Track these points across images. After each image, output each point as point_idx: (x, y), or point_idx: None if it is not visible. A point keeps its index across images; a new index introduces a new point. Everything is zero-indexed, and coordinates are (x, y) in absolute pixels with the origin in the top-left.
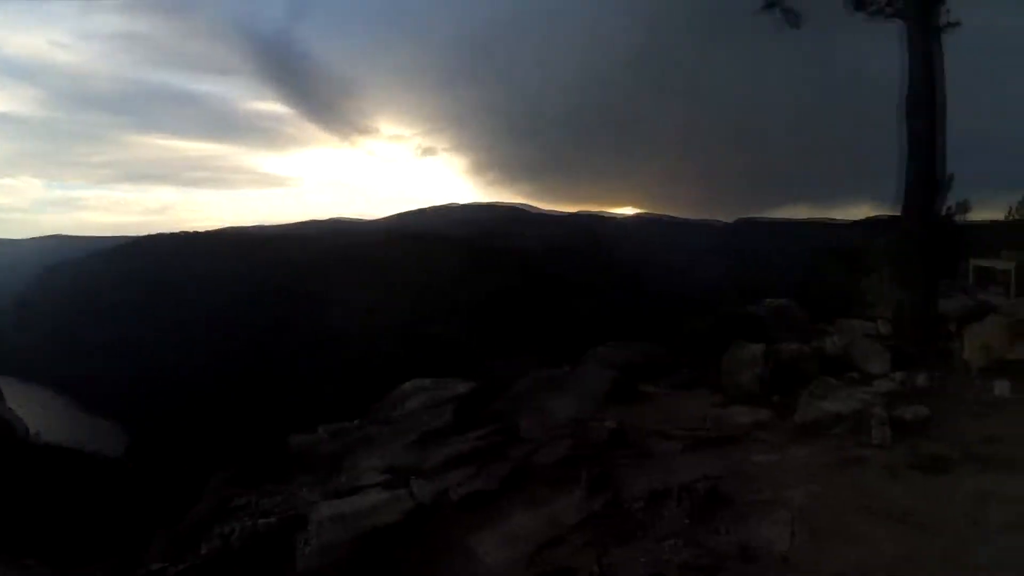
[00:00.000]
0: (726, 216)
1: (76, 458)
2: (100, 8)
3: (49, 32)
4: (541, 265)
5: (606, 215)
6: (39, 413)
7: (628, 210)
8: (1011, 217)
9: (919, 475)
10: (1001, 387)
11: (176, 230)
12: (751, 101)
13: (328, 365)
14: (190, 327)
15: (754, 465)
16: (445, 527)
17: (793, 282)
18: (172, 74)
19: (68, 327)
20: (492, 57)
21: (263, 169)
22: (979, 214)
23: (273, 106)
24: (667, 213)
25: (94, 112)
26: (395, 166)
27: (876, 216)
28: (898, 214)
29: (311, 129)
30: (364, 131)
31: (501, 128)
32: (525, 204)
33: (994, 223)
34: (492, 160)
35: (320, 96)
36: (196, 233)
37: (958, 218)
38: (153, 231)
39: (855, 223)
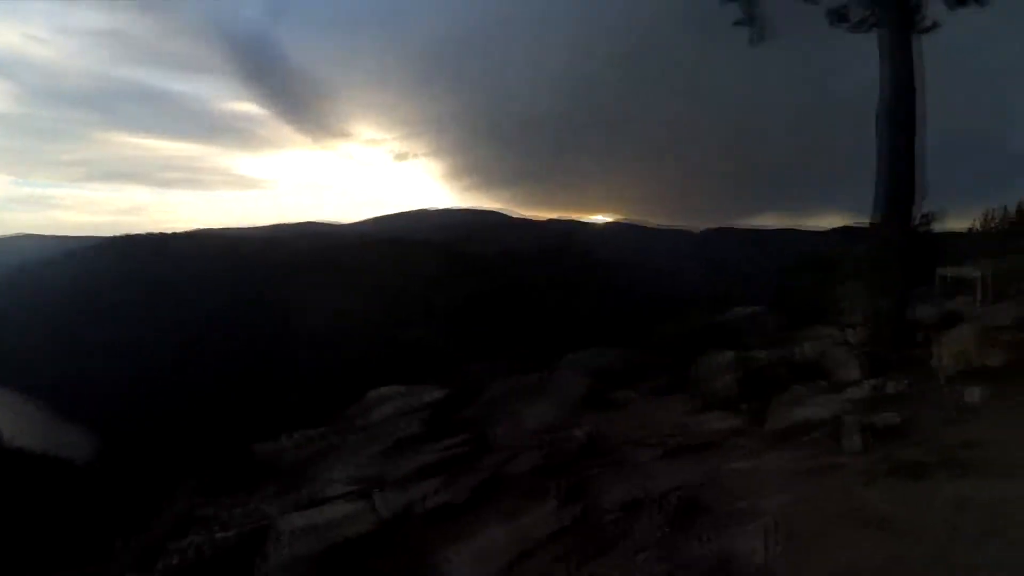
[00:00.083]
0: (699, 224)
1: (45, 464)
2: (78, 3)
3: (25, 26)
4: (515, 271)
5: (581, 222)
6: (9, 417)
7: (602, 217)
8: (976, 228)
9: (896, 481)
10: (974, 394)
11: (148, 231)
12: (725, 112)
13: (298, 370)
14: (161, 330)
15: (730, 473)
16: (412, 542)
17: (766, 290)
18: (148, 72)
19: (39, 329)
20: (471, 62)
21: (238, 170)
22: (943, 224)
23: (249, 107)
24: (642, 221)
25: (68, 109)
26: (371, 170)
27: (848, 225)
28: (870, 223)
29: (287, 131)
30: (340, 134)
31: (478, 133)
32: (501, 210)
33: (956, 233)
34: (469, 165)
35: (297, 98)
36: (168, 234)
37: (933, 226)
38: (125, 231)
39: (827, 232)
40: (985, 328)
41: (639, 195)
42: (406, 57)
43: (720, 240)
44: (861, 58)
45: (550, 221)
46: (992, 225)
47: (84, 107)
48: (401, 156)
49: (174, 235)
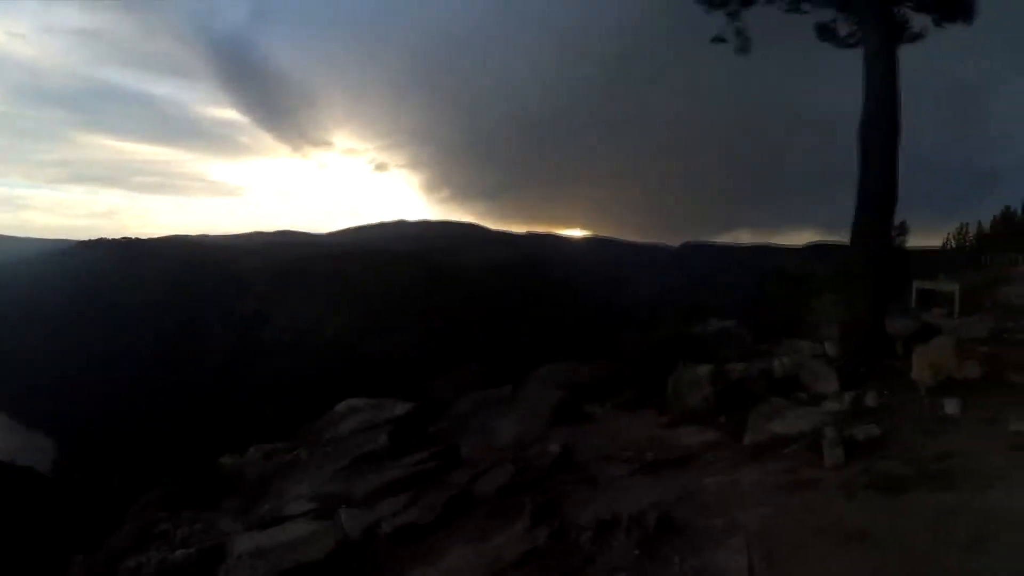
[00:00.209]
0: (672, 240)
1: (3, 472)
2: (63, 1)
3: (8, 23)
4: (489, 283)
5: (557, 236)
6: None
7: (577, 232)
8: (948, 244)
9: (876, 495)
10: (952, 405)
11: (121, 235)
12: (702, 130)
13: (267, 380)
14: (127, 337)
15: (705, 489)
16: (376, 564)
17: (738, 304)
18: (130, 73)
19: (3, 333)
20: (452, 76)
21: (213, 177)
22: (915, 239)
23: (228, 113)
24: (615, 236)
25: (47, 108)
26: (348, 180)
27: (820, 241)
28: (841, 242)
29: (265, 138)
30: (318, 143)
31: (457, 146)
32: (477, 223)
33: (928, 249)
34: (447, 177)
35: (277, 106)
36: (142, 239)
37: (899, 240)
38: (97, 235)
39: (799, 248)
40: (962, 340)
41: (615, 210)
42: (388, 70)
43: (695, 255)
44: (833, 80)
45: (526, 234)
46: (965, 240)
47: (63, 107)
48: (380, 167)
49: (148, 240)
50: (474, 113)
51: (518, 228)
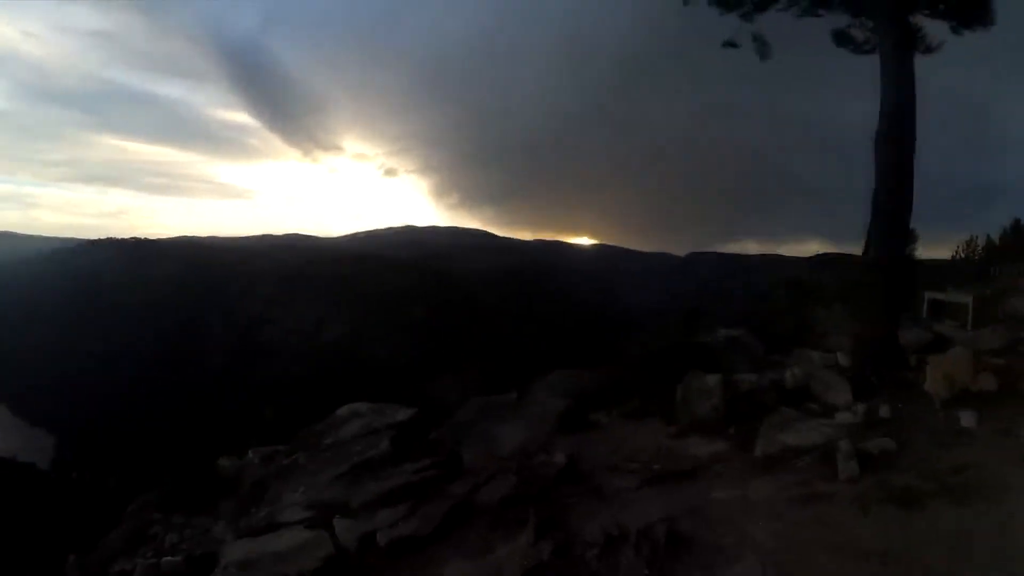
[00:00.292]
0: (678, 248)
1: (5, 468)
2: (76, 2)
3: (22, 22)
4: (492, 290)
5: (564, 243)
6: None
7: (584, 240)
8: (958, 255)
9: (891, 509)
10: (968, 418)
11: (129, 235)
12: (709, 140)
13: (269, 383)
14: (131, 337)
15: (716, 503)
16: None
17: (745, 312)
18: (140, 75)
19: (7, 329)
20: (462, 82)
21: (223, 179)
22: (922, 250)
23: (238, 116)
24: (621, 244)
25: (58, 108)
26: (357, 184)
27: (825, 253)
28: (847, 252)
29: (275, 142)
30: (328, 148)
31: (466, 153)
32: (485, 228)
33: (934, 260)
34: (456, 183)
35: (288, 109)
36: (147, 240)
37: (909, 249)
38: (106, 234)
39: (805, 259)
40: (977, 352)
41: (622, 218)
42: (397, 75)
43: (701, 263)
44: (842, 89)
45: (533, 241)
46: (975, 252)
47: (74, 107)
48: (390, 172)
49: (154, 240)
50: (484, 119)
51: (526, 234)
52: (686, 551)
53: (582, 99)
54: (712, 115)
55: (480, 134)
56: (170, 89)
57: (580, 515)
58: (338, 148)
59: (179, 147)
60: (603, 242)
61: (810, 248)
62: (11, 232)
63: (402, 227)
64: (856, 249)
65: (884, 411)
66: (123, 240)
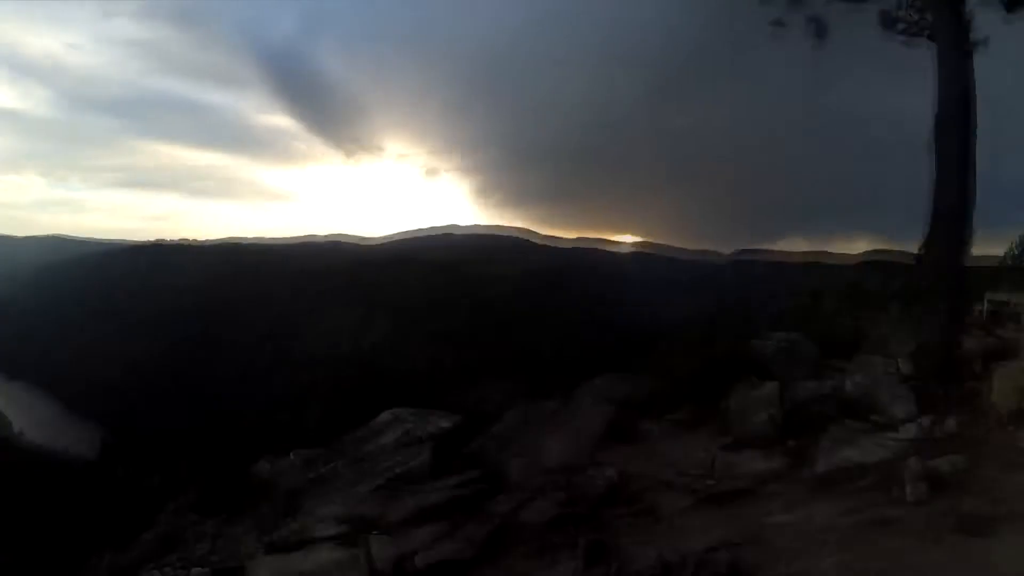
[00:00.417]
0: (724, 246)
1: (51, 461)
2: (118, 13)
3: (66, 34)
4: (534, 293)
5: (604, 247)
6: (23, 412)
7: (628, 238)
8: (1011, 254)
9: (964, 538)
10: None
11: (177, 238)
12: (752, 133)
13: (311, 386)
14: (176, 336)
15: (777, 527)
16: None
17: (795, 315)
18: (184, 83)
19: (59, 328)
20: (504, 82)
21: (267, 183)
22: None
23: (281, 120)
24: (666, 242)
25: (104, 116)
26: (401, 185)
27: (876, 251)
28: (900, 251)
29: (317, 145)
30: (370, 149)
31: (509, 151)
32: (528, 228)
33: (988, 257)
34: (497, 183)
35: (330, 112)
36: (194, 243)
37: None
38: (154, 238)
39: (855, 257)
40: None
41: (667, 215)
42: (437, 76)
43: (748, 263)
44: (890, 82)
45: (575, 241)
46: None
47: (119, 115)
48: (431, 172)
49: (201, 243)
50: (527, 118)
51: (569, 233)
52: None
53: (626, 97)
54: (757, 111)
55: (523, 133)
56: (214, 96)
57: (632, 538)
58: (380, 149)
59: (224, 152)
60: (647, 239)
61: (858, 245)
62: (62, 236)
63: (443, 228)
64: (907, 246)
65: (950, 425)
66: (169, 243)
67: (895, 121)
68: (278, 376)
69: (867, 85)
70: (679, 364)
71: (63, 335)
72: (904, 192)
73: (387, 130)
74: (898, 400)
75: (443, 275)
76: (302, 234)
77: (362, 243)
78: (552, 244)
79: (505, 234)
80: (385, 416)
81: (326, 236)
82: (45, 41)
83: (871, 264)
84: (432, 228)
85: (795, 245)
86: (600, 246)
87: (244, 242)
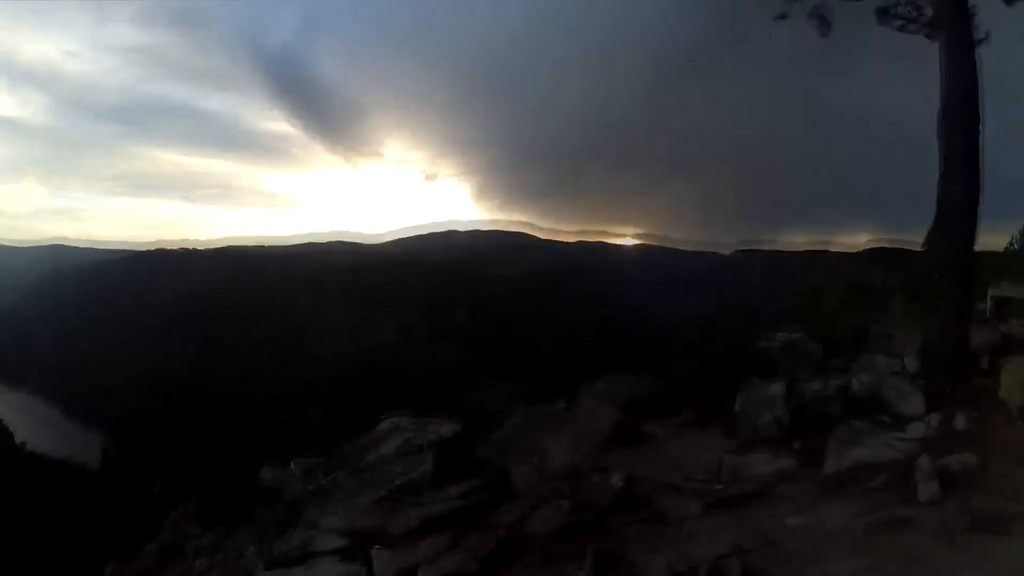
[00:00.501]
0: (724, 239)
1: (59, 471)
2: (115, 20)
3: (62, 41)
4: (534, 293)
5: (606, 243)
6: (26, 421)
7: (629, 230)
8: (1012, 247)
9: (979, 538)
10: None
11: (179, 243)
12: (753, 127)
13: (312, 391)
14: (182, 344)
15: (788, 531)
16: None
17: (796, 313)
18: (182, 88)
19: (61, 336)
20: (501, 82)
21: (268, 188)
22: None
23: (280, 125)
24: (668, 238)
25: (102, 123)
26: (399, 190)
27: (877, 245)
28: (901, 245)
29: (317, 150)
30: (369, 154)
31: (507, 152)
32: (528, 224)
33: (990, 251)
34: (497, 184)
35: (329, 117)
36: (194, 249)
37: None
38: (154, 244)
39: (856, 253)
40: None
41: (668, 212)
42: (440, 75)
43: (749, 260)
44: (891, 77)
45: (576, 241)
46: None
47: (118, 121)
48: (430, 177)
49: (203, 249)
50: (526, 118)
51: (570, 229)
52: None
53: (626, 97)
54: (757, 106)
55: (524, 133)
56: (213, 101)
57: (641, 545)
58: (378, 154)
59: (224, 157)
60: (649, 235)
61: (860, 239)
62: (63, 243)
63: (443, 230)
64: (910, 239)
65: (960, 422)
66: (170, 249)
67: (895, 116)
68: (280, 378)
69: (867, 80)
70: (681, 365)
71: (65, 343)
72: (905, 185)
73: (385, 135)
74: (905, 398)
75: (443, 275)
76: (303, 239)
77: (362, 245)
78: (554, 239)
79: (506, 231)
80: (385, 425)
81: (326, 239)
82: (42, 48)
83: (873, 256)
84: (433, 225)
85: (795, 239)
86: (602, 239)
87: (245, 247)
